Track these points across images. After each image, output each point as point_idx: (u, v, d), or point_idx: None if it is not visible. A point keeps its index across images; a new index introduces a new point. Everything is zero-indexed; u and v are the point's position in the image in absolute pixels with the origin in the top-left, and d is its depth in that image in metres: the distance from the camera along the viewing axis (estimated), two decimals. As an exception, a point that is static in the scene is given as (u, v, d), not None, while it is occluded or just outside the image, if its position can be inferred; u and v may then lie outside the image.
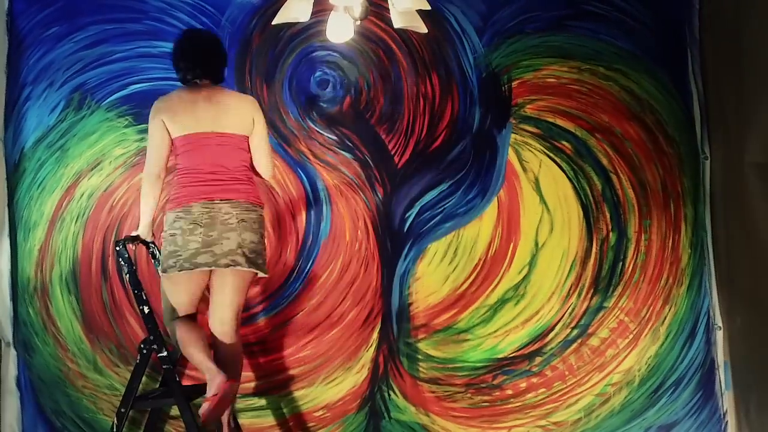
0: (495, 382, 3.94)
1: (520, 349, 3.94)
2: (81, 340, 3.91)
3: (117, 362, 3.91)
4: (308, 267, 3.95)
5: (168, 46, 3.87)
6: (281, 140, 3.94)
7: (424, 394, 3.94)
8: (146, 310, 3.48)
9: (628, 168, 3.95)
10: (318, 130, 3.96)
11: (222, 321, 3.37)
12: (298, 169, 3.95)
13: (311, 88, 3.97)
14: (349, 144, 3.96)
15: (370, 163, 3.96)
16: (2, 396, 3.87)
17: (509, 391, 3.93)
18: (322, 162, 3.96)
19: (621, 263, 3.93)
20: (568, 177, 3.95)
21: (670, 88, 3.96)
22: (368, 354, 3.94)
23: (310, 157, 3.96)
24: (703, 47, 3.92)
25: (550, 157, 3.95)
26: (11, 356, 3.88)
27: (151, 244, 3.64)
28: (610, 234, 3.95)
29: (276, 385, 3.93)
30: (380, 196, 3.94)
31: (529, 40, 3.95)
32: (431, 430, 3.95)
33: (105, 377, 3.91)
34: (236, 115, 3.35)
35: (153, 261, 3.70)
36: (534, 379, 3.93)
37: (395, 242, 3.94)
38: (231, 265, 3.25)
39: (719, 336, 3.90)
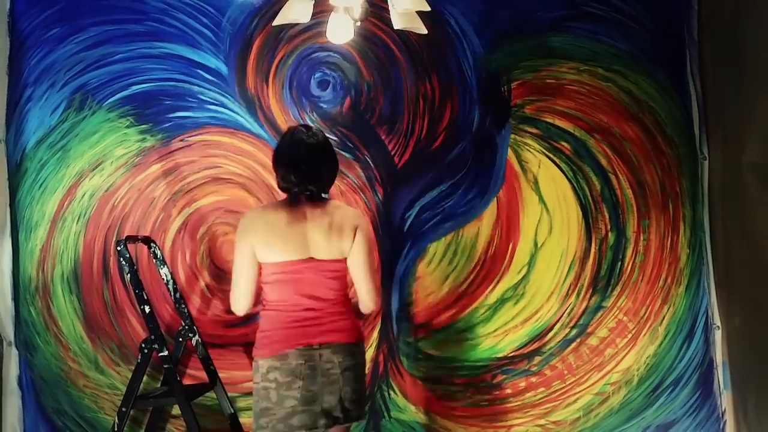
0: (494, 382, 3.95)
1: (519, 349, 3.95)
2: (82, 339, 3.92)
3: (118, 361, 3.92)
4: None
5: (169, 47, 3.92)
6: (282, 141, 3.96)
7: (424, 393, 3.95)
8: (147, 309, 3.51)
9: (627, 168, 3.97)
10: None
11: None
12: (299, 170, 3.96)
13: (311, 89, 3.98)
14: (349, 144, 3.97)
15: (370, 163, 3.97)
16: (4, 395, 3.88)
17: (508, 391, 3.95)
18: (323, 162, 3.96)
19: (620, 263, 3.95)
20: (567, 177, 3.96)
21: (668, 89, 3.97)
22: (368, 353, 3.95)
23: (311, 157, 3.96)
24: (701, 48, 3.93)
25: (549, 158, 3.96)
26: (13, 356, 3.89)
27: (152, 244, 3.65)
28: (609, 234, 3.96)
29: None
30: (380, 197, 3.95)
31: (528, 41, 3.97)
32: (431, 429, 3.96)
33: (106, 376, 3.92)
34: (336, 235, 2.87)
35: (155, 261, 3.72)
36: (533, 379, 3.94)
37: (395, 242, 3.95)
38: (329, 425, 2.81)
39: (718, 335, 3.91)
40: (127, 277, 3.56)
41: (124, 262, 3.52)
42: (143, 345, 3.53)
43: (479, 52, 3.97)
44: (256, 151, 3.95)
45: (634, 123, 3.96)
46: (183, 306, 3.76)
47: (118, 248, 3.51)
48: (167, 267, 3.77)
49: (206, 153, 3.95)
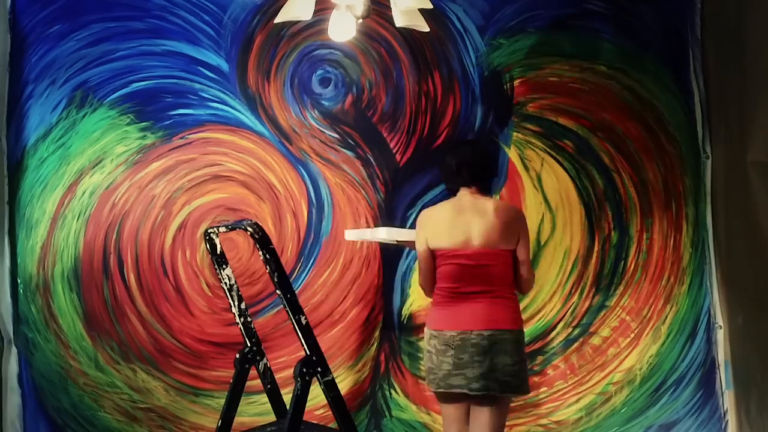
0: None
1: (521, 348, 3.94)
2: (82, 337, 3.91)
3: (118, 359, 3.91)
4: (309, 265, 3.95)
5: (170, 44, 3.90)
6: (283, 138, 3.95)
7: (425, 392, 3.93)
8: (303, 320, 2.94)
9: (630, 167, 3.96)
10: (320, 128, 3.96)
11: None
12: (300, 167, 3.95)
13: (313, 87, 3.97)
14: (351, 142, 3.96)
15: (372, 161, 3.96)
16: (4, 393, 3.87)
17: (510, 390, 3.93)
18: (324, 160, 3.96)
19: (623, 262, 3.94)
20: (570, 176, 3.95)
21: (671, 87, 3.96)
22: (369, 352, 3.94)
23: (312, 155, 3.96)
24: (704, 46, 3.92)
25: (551, 156, 3.95)
26: (13, 353, 3.88)
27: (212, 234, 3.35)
28: (612, 233, 3.95)
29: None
30: (382, 195, 3.94)
31: (530, 38, 3.95)
32: (432, 428, 3.95)
33: (106, 375, 3.91)
34: (502, 228, 3.12)
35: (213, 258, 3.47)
36: (535, 378, 3.93)
37: (397, 241, 3.95)
38: (483, 391, 3.05)
39: (720, 335, 3.90)
40: (274, 278, 2.99)
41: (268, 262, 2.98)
42: (305, 369, 2.88)
43: (481, 50, 3.96)
44: (257, 149, 3.94)
45: (636, 121, 3.95)
46: (249, 320, 3.33)
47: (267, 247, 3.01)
48: (229, 267, 3.44)
49: (207, 150, 3.94)
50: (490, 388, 3.05)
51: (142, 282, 3.92)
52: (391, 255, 3.94)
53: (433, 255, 3.17)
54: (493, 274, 3.11)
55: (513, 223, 3.16)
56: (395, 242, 3.50)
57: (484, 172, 3.24)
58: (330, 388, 2.91)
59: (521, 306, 3.88)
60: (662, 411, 3.94)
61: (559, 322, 3.93)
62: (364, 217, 3.95)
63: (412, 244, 3.32)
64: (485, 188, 3.24)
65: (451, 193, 3.25)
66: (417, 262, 3.25)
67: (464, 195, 3.20)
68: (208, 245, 3.20)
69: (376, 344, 3.94)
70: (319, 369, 2.88)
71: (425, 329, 3.21)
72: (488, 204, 3.16)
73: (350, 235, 3.65)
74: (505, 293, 3.15)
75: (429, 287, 3.21)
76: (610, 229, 3.95)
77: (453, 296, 3.13)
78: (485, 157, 3.28)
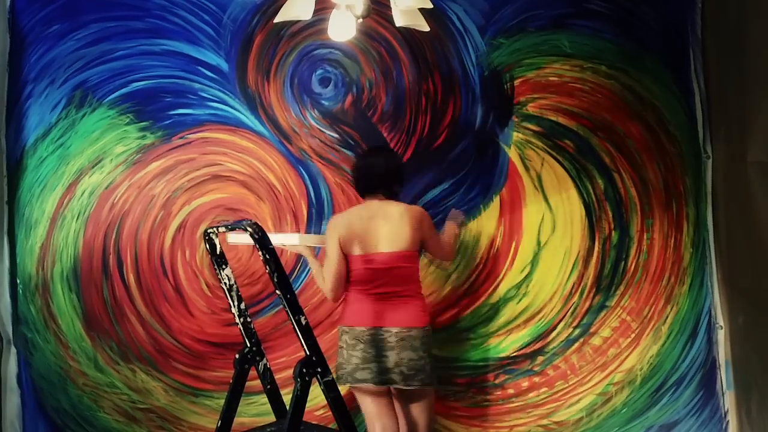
0: (497, 381, 3.94)
1: (522, 348, 3.93)
2: (82, 337, 3.91)
3: (117, 360, 3.90)
4: (310, 266, 3.94)
5: (170, 44, 3.90)
6: (283, 138, 3.94)
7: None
8: (303, 321, 2.86)
9: (631, 167, 3.95)
10: (320, 128, 3.95)
11: None
12: (300, 167, 3.95)
13: (313, 86, 3.97)
14: (351, 142, 3.95)
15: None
16: (3, 393, 3.87)
17: (511, 390, 3.93)
18: (324, 160, 3.95)
19: (623, 262, 3.93)
20: (570, 175, 3.94)
21: (672, 87, 3.96)
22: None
23: (312, 154, 3.95)
24: (705, 46, 3.92)
25: (552, 156, 3.94)
26: (12, 354, 3.88)
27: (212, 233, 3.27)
28: (613, 233, 3.95)
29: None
30: (382, 195, 3.93)
31: (531, 38, 3.95)
32: (433, 429, 3.94)
33: (106, 375, 3.91)
34: (408, 231, 3.34)
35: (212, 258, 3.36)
36: (536, 379, 3.93)
37: (397, 241, 3.94)
38: (388, 384, 3.29)
39: (721, 335, 3.90)
40: (274, 278, 2.88)
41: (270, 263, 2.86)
42: (305, 370, 2.83)
43: (482, 50, 3.95)
44: (256, 149, 3.93)
45: (637, 121, 3.95)
46: (249, 320, 3.29)
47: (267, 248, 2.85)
48: (229, 267, 3.38)
49: (206, 150, 3.94)
50: (394, 381, 3.27)
51: (142, 282, 3.91)
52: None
53: (345, 259, 3.36)
54: (401, 276, 3.35)
55: (418, 224, 3.38)
56: (302, 248, 3.53)
57: (388, 181, 3.44)
58: (330, 389, 2.88)
59: (522, 306, 3.94)
60: (663, 411, 3.93)
61: (559, 323, 3.93)
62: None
63: (311, 251, 3.53)
64: (391, 194, 3.44)
65: (361, 197, 3.48)
66: (325, 267, 3.38)
67: (372, 201, 3.43)
68: (207, 245, 3.19)
69: (376, 344, 3.93)
70: (319, 369, 2.86)
71: (339, 327, 3.40)
72: (394, 209, 3.38)
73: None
74: (413, 293, 3.38)
75: (339, 290, 3.38)
76: (611, 229, 3.94)
77: (365, 296, 3.34)
78: (390, 167, 3.46)
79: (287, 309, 2.84)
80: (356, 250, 3.35)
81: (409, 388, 3.29)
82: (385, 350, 3.27)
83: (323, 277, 3.41)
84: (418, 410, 3.37)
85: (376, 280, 3.32)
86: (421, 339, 3.30)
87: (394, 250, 3.33)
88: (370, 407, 3.38)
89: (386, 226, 3.35)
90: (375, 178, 3.43)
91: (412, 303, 3.36)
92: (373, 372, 3.26)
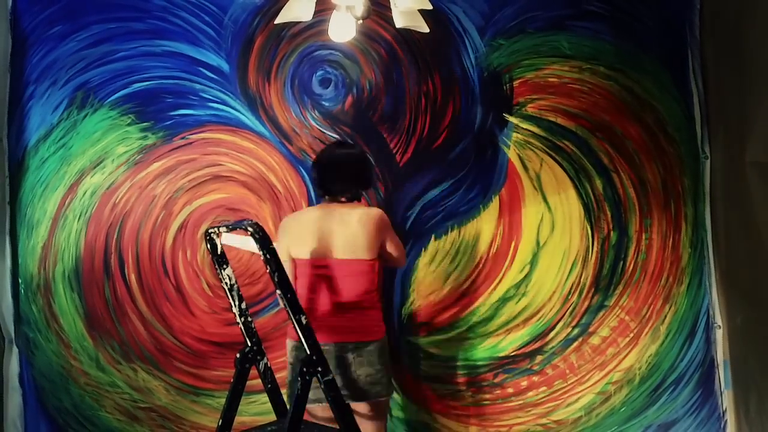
0: (496, 381, 3.95)
1: (521, 348, 3.95)
2: (83, 337, 3.92)
3: (119, 359, 3.92)
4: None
5: (171, 45, 3.91)
6: (283, 138, 3.95)
7: (425, 392, 3.94)
8: (304, 320, 2.83)
9: (629, 167, 3.96)
10: (320, 128, 3.97)
11: None
12: (300, 167, 3.96)
13: (313, 87, 3.98)
14: (351, 142, 3.96)
15: (372, 161, 3.96)
16: (5, 393, 3.88)
17: (510, 390, 3.94)
18: (324, 160, 3.96)
19: (622, 262, 3.94)
20: (569, 176, 3.95)
21: (670, 88, 3.97)
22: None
23: (312, 155, 3.96)
24: (703, 47, 3.92)
25: (551, 156, 3.95)
26: (14, 353, 3.89)
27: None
28: (611, 233, 3.96)
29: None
30: (382, 195, 3.95)
31: (530, 39, 3.96)
32: (432, 428, 3.96)
33: (107, 374, 3.92)
34: (362, 237, 3.14)
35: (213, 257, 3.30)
36: (535, 378, 3.94)
37: (397, 241, 3.95)
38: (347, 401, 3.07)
39: (719, 335, 3.91)
40: (275, 278, 2.85)
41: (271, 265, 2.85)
42: (305, 369, 2.81)
43: (481, 51, 3.96)
44: (257, 149, 3.95)
45: (636, 122, 3.96)
46: (250, 320, 3.23)
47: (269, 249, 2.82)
48: (230, 267, 3.32)
49: (207, 151, 3.95)
50: (352, 398, 3.08)
51: (143, 282, 3.93)
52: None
53: (293, 264, 3.18)
54: (354, 285, 3.13)
55: (376, 231, 3.17)
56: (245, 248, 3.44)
57: (352, 182, 3.24)
58: (330, 388, 2.89)
59: (521, 306, 3.94)
60: (661, 410, 3.94)
61: (558, 322, 3.94)
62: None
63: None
64: (353, 196, 3.26)
65: (318, 196, 3.28)
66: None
67: (329, 202, 3.23)
68: (208, 245, 3.20)
69: (376, 344, 3.94)
70: (320, 369, 2.87)
71: (287, 340, 3.24)
72: (352, 213, 3.17)
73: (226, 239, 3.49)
74: (366, 303, 3.16)
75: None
76: (609, 229, 3.96)
77: (314, 307, 3.14)
78: (357, 166, 3.28)
79: (287, 309, 2.85)
80: (304, 256, 3.15)
81: (364, 401, 3.15)
82: (339, 367, 3.07)
83: None
84: (372, 424, 3.22)
85: (327, 289, 3.12)
86: (376, 352, 3.15)
87: (348, 258, 3.13)
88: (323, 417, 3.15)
89: (341, 230, 3.14)
90: (334, 179, 3.22)
91: (365, 315, 3.17)
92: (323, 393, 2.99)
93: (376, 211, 3.29)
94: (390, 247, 3.26)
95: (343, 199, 3.25)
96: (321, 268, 3.15)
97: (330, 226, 3.16)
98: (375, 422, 3.26)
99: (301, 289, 3.17)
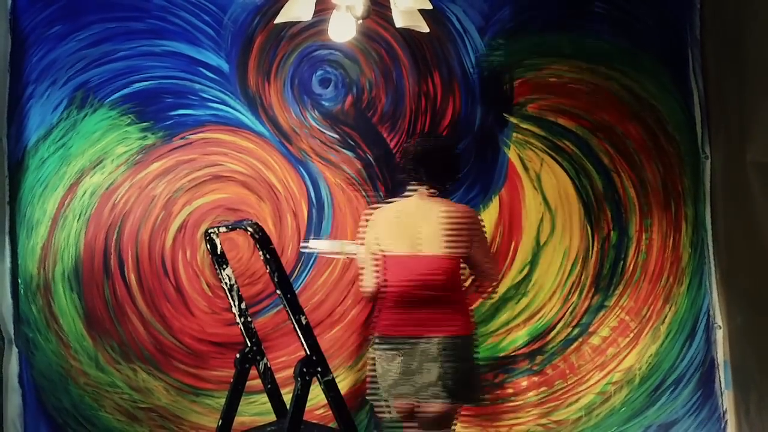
0: (496, 381, 3.94)
1: (521, 348, 3.94)
2: (83, 337, 3.92)
3: (119, 359, 3.91)
4: (309, 265, 3.95)
5: (170, 45, 3.91)
6: (283, 138, 3.95)
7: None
8: (303, 320, 2.81)
9: (629, 167, 3.96)
10: (320, 128, 3.96)
11: None
12: (300, 168, 3.96)
13: (313, 87, 3.98)
14: (351, 142, 3.96)
15: (372, 161, 3.96)
16: (5, 393, 3.87)
17: (510, 390, 3.94)
18: (324, 160, 3.96)
19: (622, 262, 3.94)
20: (569, 176, 3.95)
21: (670, 88, 3.97)
22: (369, 352, 3.94)
23: (312, 155, 3.96)
24: (703, 46, 3.92)
25: (551, 156, 3.95)
26: (14, 353, 3.89)
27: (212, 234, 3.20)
28: (611, 233, 3.95)
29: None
30: (382, 195, 3.94)
31: (530, 39, 3.96)
32: (432, 428, 3.96)
33: (107, 374, 3.92)
34: (451, 235, 3.13)
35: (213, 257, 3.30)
36: (535, 378, 3.94)
37: (397, 241, 3.94)
38: (432, 399, 3.07)
39: (719, 335, 3.90)
40: (274, 278, 2.81)
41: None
42: (305, 369, 2.79)
43: (481, 50, 3.96)
44: (257, 149, 3.94)
45: (636, 121, 3.96)
46: (249, 320, 3.23)
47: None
48: (230, 267, 3.31)
49: (207, 151, 3.94)
50: (439, 396, 3.05)
51: (143, 282, 3.93)
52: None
53: (379, 258, 3.19)
54: (440, 281, 3.12)
55: (464, 228, 3.15)
56: (336, 253, 3.49)
57: (442, 175, 3.23)
58: (330, 388, 2.87)
59: (521, 306, 3.94)
60: (661, 411, 3.94)
61: (558, 322, 3.94)
62: (365, 218, 3.95)
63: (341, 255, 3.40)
64: (440, 191, 3.26)
65: (405, 186, 3.28)
66: (362, 263, 3.34)
67: (416, 196, 3.23)
68: (208, 245, 3.20)
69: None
70: (319, 369, 2.84)
71: (372, 336, 3.25)
72: (439, 208, 3.17)
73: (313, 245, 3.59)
74: (453, 299, 3.16)
75: (374, 290, 3.23)
76: (610, 229, 3.95)
77: (402, 301, 3.13)
78: (448, 159, 3.27)
79: (287, 309, 2.84)
80: (392, 249, 3.17)
81: (454, 404, 3.10)
82: (428, 361, 3.06)
83: (362, 273, 3.25)
84: (444, 422, 3.17)
85: (414, 283, 3.12)
86: (464, 348, 3.12)
87: (433, 254, 3.12)
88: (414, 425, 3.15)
89: (428, 226, 3.14)
90: (426, 169, 3.20)
91: (452, 310, 3.15)
92: (417, 387, 3.05)
93: (464, 208, 3.29)
94: (477, 251, 3.18)
95: (432, 192, 3.23)
96: (407, 262, 3.14)
97: (416, 220, 3.16)
98: (443, 421, 3.16)
99: (389, 284, 3.18)
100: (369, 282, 3.26)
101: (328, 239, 3.81)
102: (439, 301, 3.13)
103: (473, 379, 3.15)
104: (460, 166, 3.36)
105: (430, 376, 3.04)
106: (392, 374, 3.08)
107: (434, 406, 3.12)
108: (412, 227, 3.15)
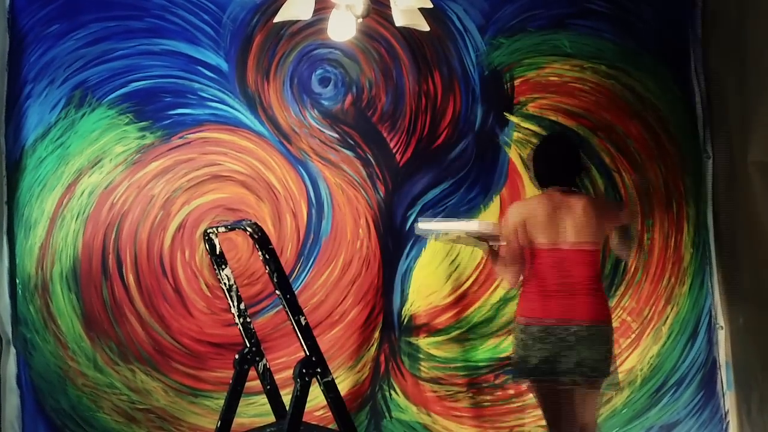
0: (497, 382, 3.93)
1: (521, 348, 3.93)
2: (81, 338, 3.90)
3: (117, 360, 3.90)
4: (309, 265, 3.94)
5: (169, 44, 3.90)
6: (282, 138, 3.94)
7: (426, 393, 3.93)
8: (303, 321, 2.83)
9: (631, 167, 3.95)
10: (319, 128, 3.95)
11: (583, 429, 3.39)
12: (300, 167, 3.94)
13: (313, 86, 3.96)
14: (351, 142, 3.95)
15: (372, 161, 3.95)
16: (3, 394, 3.86)
17: (511, 391, 3.93)
18: (324, 160, 3.95)
19: (623, 262, 3.93)
20: (570, 176, 3.94)
21: (672, 87, 3.96)
22: (369, 353, 3.93)
23: (312, 155, 3.95)
24: (705, 45, 3.91)
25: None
26: (11, 354, 3.87)
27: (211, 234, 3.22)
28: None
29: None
30: (382, 195, 3.93)
31: (531, 38, 3.95)
32: (432, 429, 3.94)
33: (105, 375, 3.90)
34: (592, 226, 3.30)
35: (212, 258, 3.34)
36: (535, 379, 3.93)
37: (397, 241, 3.94)
38: (583, 377, 3.25)
39: (721, 336, 3.89)
40: (274, 278, 2.83)
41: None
42: (304, 370, 2.80)
43: (482, 49, 3.95)
44: (256, 149, 3.93)
45: (637, 121, 3.95)
46: (248, 320, 3.23)
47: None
48: (229, 267, 3.32)
49: (206, 150, 3.93)
50: (587, 375, 3.23)
51: (141, 282, 3.91)
52: (391, 255, 3.93)
53: (523, 247, 3.31)
54: (583, 271, 3.28)
55: (603, 218, 3.32)
56: (474, 238, 3.47)
57: (574, 170, 3.39)
58: (329, 389, 2.87)
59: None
60: (663, 412, 3.93)
61: (559, 323, 3.92)
62: (364, 218, 3.94)
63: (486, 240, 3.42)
64: (575, 185, 3.40)
65: (540, 187, 3.40)
66: (506, 253, 3.35)
67: (555, 191, 3.34)
68: (207, 245, 3.19)
69: (375, 345, 3.93)
70: (319, 370, 2.84)
71: (519, 317, 3.33)
72: (579, 202, 3.32)
73: (424, 226, 3.61)
74: (597, 288, 3.32)
75: (516, 277, 3.36)
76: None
77: (549, 289, 3.28)
78: (574, 154, 3.41)
79: (287, 309, 2.84)
80: (539, 240, 3.30)
81: (592, 384, 3.28)
82: (579, 344, 3.22)
83: (505, 263, 3.36)
84: (587, 410, 3.35)
85: (558, 273, 3.28)
86: (608, 335, 3.29)
87: (577, 245, 3.28)
88: (554, 406, 3.32)
89: (570, 219, 3.29)
90: (554, 168, 3.37)
91: (596, 297, 3.30)
92: (564, 367, 3.22)
93: (601, 200, 3.52)
94: (617, 226, 3.41)
95: (568, 188, 3.36)
96: (552, 253, 3.28)
97: (560, 214, 3.30)
98: (589, 409, 3.36)
99: (534, 274, 3.31)
100: (514, 268, 3.36)
101: (441, 220, 3.78)
102: (584, 289, 3.27)
103: (613, 364, 3.32)
104: (583, 157, 3.50)
105: (578, 357, 3.22)
106: (533, 359, 3.25)
107: (585, 389, 3.30)
108: (557, 220, 3.29)
